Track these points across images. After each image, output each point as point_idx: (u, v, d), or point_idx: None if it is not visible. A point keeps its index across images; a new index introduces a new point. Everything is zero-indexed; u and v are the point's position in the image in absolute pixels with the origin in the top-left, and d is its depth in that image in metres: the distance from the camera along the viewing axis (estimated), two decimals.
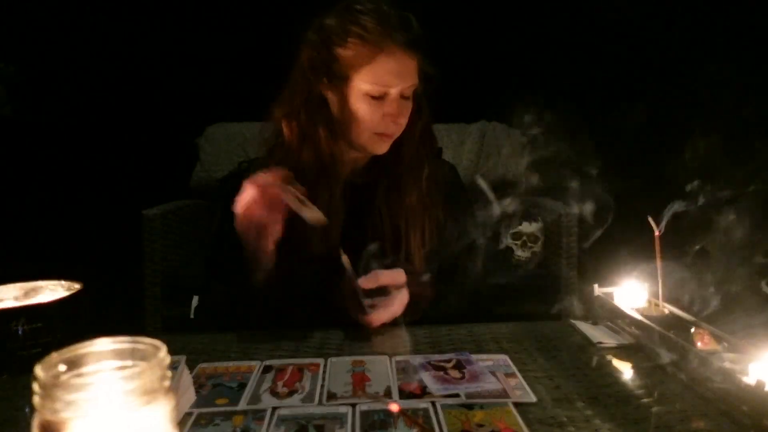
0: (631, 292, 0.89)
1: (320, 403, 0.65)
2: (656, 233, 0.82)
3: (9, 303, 0.76)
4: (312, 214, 0.87)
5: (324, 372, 0.73)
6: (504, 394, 0.66)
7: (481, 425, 0.59)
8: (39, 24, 2.57)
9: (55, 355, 0.41)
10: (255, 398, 0.66)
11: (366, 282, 0.90)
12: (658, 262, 0.83)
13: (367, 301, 0.89)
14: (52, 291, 0.79)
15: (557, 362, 0.77)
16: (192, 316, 1.16)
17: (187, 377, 0.62)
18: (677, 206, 0.78)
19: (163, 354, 0.42)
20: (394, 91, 0.99)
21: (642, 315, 0.83)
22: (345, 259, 0.89)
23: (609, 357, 0.80)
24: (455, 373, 0.72)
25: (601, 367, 0.76)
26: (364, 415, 0.61)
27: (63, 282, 0.80)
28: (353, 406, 0.63)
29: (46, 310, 0.75)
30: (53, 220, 2.48)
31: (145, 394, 0.39)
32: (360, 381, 0.70)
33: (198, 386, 0.69)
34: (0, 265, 0.90)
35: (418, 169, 1.08)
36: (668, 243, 0.81)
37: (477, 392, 0.67)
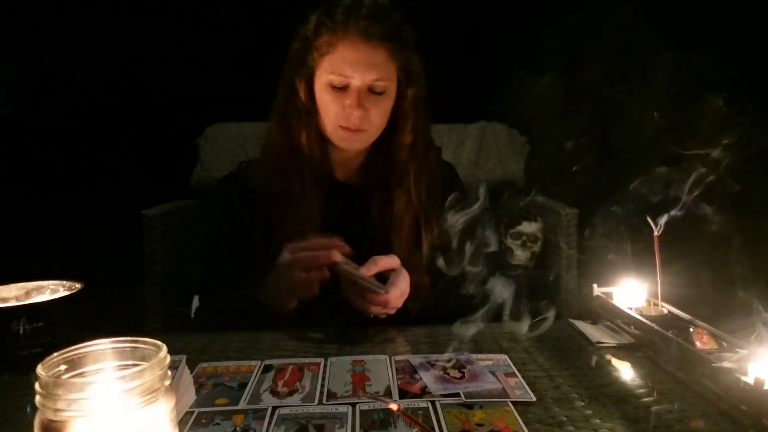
0: (631, 292, 0.89)
1: (320, 402, 0.65)
2: (655, 233, 0.82)
3: (10, 303, 0.76)
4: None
5: (324, 372, 0.74)
6: (504, 393, 0.67)
7: (480, 425, 0.59)
8: (39, 24, 2.57)
9: (56, 355, 0.42)
10: (255, 398, 0.66)
11: (367, 269, 0.91)
12: (658, 262, 0.83)
13: (374, 285, 0.90)
14: (52, 291, 0.79)
15: (557, 362, 0.77)
16: (192, 317, 1.16)
17: (187, 377, 0.62)
18: (677, 208, 0.78)
19: (164, 354, 0.42)
20: (355, 83, 0.99)
21: (641, 315, 0.83)
22: (335, 254, 0.89)
23: (608, 356, 0.80)
24: (455, 373, 0.72)
25: (600, 367, 0.77)
26: (364, 414, 0.62)
27: (63, 282, 0.81)
28: (353, 405, 0.64)
29: (47, 310, 0.75)
30: (53, 220, 2.48)
31: (146, 393, 0.39)
32: (360, 381, 0.71)
33: (198, 386, 0.69)
34: (1, 265, 0.90)
35: (406, 177, 1.07)
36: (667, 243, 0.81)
37: (477, 392, 0.67)
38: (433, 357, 0.78)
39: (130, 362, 0.43)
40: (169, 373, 0.42)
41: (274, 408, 0.63)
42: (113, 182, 2.55)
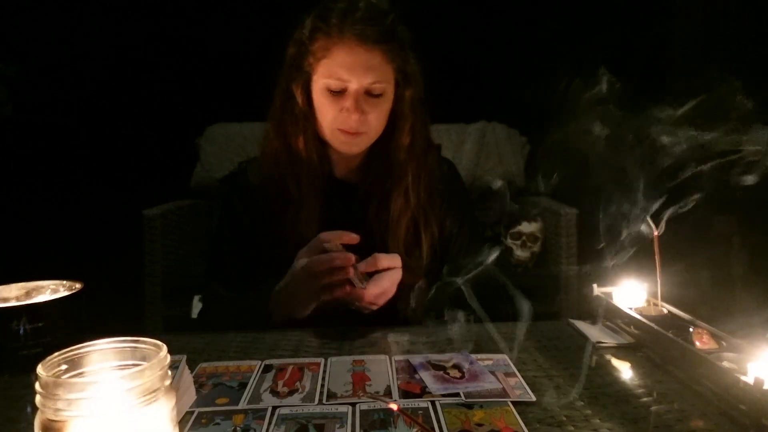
0: (630, 292, 0.89)
1: (320, 402, 0.65)
2: (655, 233, 0.82)
3: (10, 303, 0.76)
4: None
5: (324, 371, 0.74)
6: (504, 393, 0.67)
7: (480, 425, 0.59)
8: (39, 24, 2.57)
9: (56, 355, 0.42)
10: (255, 397, 0.66)
11: (366, 266, 0.91)
12: (657, 262, 0.83)
13: (357, 278, 0.90)
14: (52, 291, 0.80)
15: (557, 362, 0.77)
16: (193, 317, 1.16)
17: (187, 377, 0.62)
18: (676, 207, 0.78)
19: (164, 354, 0.42)
20: (352, 86, 0.98)
21: (641, 314, 0.83)
22: (331, 247, 0.89)
23: (608, 356, 0.80)
24: (455, 373, 0.72)
25: (600, 367, 0.77)
26: (364, 414, 0.62)
27: (63, 282, 0.81)
28: (353, 405, 0.64)
29: (47, 310, 0.75)
30: (53, 219, 2.48)
31: (146, 393, 0.39)
32: (360, 380, 0.71)
33: (198, 386, 0.69)
34: (1, 265, 0.90)
35: (404, 178, 1.07)
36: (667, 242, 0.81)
37: (477, 392, 0.67)
38: (433, 357, 0.78)
39: (130, 362, 0.43)
40: (169, 373, 0.42)
41: (274, 408, 0.63)
42: (113, 182, 2.56)
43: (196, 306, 1.36)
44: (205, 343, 0.85)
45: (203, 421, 0.61)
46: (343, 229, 0.94)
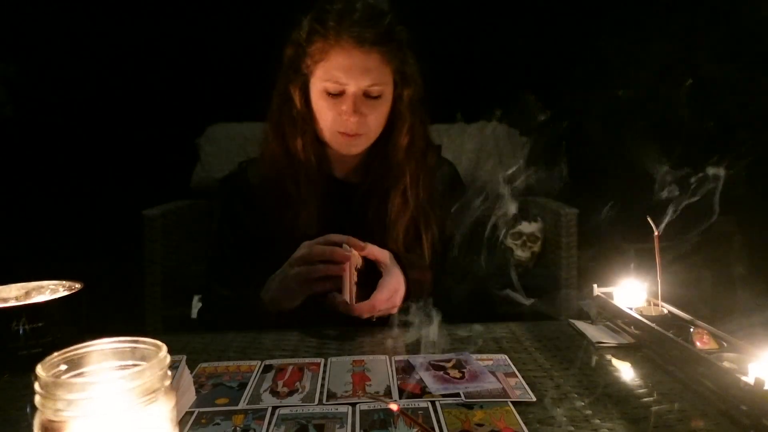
0: (631, 292, 0.89)
1: (320, 402, 0.65)
2: (656, 233, 0.82)
3: (10, 303, 0.76)
4: (345, 300, 0.90)
5: (324, 372, 0.74)
6: (504, 393, 0.67)
7: (480, 425, 0.59)
8: (39, 24, 2.57)
9: (56, 355, 0.42)
10: (255, 398, 0.66)
11: (359, 247, 0.93)
12: (658, 262, 0.83)
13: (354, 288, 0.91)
14: (52, 291, 0.79)
15: (557, 362, 0.77)
16: (193, 317, 1.16)
17: (187, 377, 0.62)
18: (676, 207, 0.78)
19: (164, 354, 0.42)
20: (351, 89, 0.98)
21: (641, 315, 0.83)
22: (355, 255, 0.90)
23: (608, 356, 0.80)
24: (455, 373, 0.72)
25: (600, 367, 0.77)
26: (364, 414, 0.62)
27: (63, 282, 0.81)
28: (353, 405, 0.64)
29: (47, 310, 0.75)
30: (53, 219, 2.48)
31: (146, 393, 0.39)
32: (360, 381, 0.71)
33: (198, 386, 0.69)
34: (1, 265, 0.90)
35: (402, 178, 1.07)
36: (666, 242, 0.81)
37: (477, 392, 0.67)
38: (433, 357, 0.78)
39: (130, 362, 0.43)
40: (169, 373, 0.42)
41: (274, 408, 0.63)
42: (113, 182, 2.56)
43: (196, 306, 1.36)
44: (205, 343, 0.85)
45: (203, 421, 0.61)
46: (343, 229, 0.95)
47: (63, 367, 0.41)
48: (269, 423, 0.60)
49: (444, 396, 0.66)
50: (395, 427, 0.59)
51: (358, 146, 1.06)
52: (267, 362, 0.77)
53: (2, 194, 2.40)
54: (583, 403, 0.64)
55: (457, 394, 0.66)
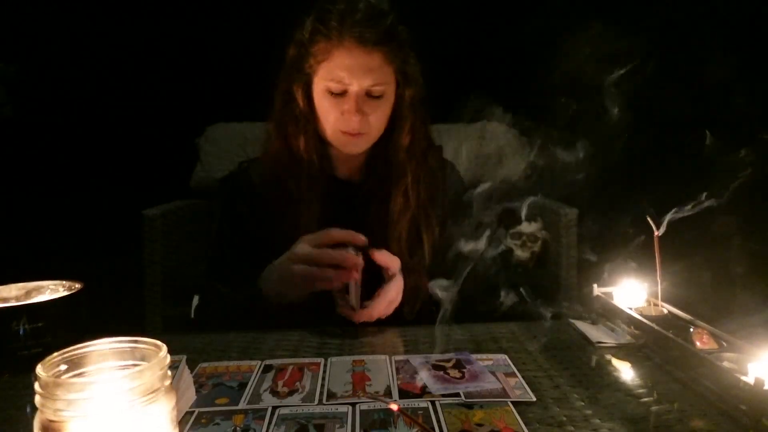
0: (630, 292, 0.89)
1: (320, 402, 0.65)
2: (656, 233, 0.82)
3: (10, 303, 0.76)
4: (352, 305, 0.90)
5: (324, 371, 0.74)
6: (504, 393, 0.67)
7: (480, 425, 0.59)
8: (39, 24, 2.57)
9: (56, 355, 0.42)
10: (255, 398, 0.66)
11: (373, 254, 0.93)
12: (658, 262, 0.83)
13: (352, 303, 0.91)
14: (52, 291, 0.79)
15: (557, 362, 0.77)
16: (192, 315, 1.16)
17: (187, 377, 0.62)
18: (678, 208, 0.78)
19: (164, 354, 0.42)
20: (353, 89, 0.99)
21: (641, 315, 0.83)
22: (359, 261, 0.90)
23: (608, 356, 0.80)
24: (455, 373, 0.72)
25: (600, 367, 0.77)
26: (364, 414, 0.62)
27: (63, 282, 0.81)
28: (353, 405, 0.64)
29: (47, 310, 0.75)
30: (53, 219, 2.48)
31: (146, 393, 0.39)
32: (360, 381, 0.71)
33: (198, 386, 0.69)
34: (1, 265, 0.90)
35: (403, 178, 1.07)
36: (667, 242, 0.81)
37: (477, 392, 0.67)
38: (433, 357, 0.78)
39: (130, 362, 0.43)
40: (169, 373, 0.42)
41: (274, 408, 0.63)
42: (113, 182, 2.56)
43: (196, 304, 1.36)
44: (205, 343, 0.85)
45: (203, 421, 0.61)
46: (346, 228, 0.94)
47: (63, 367, 0.41)
48: (269, 423, 0.60)
49: (444, 396, 0.66)
50: (395, 427, 0.59)
51: (360, 146, 1.06)
52: (267, 362, 0.77)
53: (2, 194, 2.40)
54: (583, 403, 0.64)
55: (457, 394, 0.66)
